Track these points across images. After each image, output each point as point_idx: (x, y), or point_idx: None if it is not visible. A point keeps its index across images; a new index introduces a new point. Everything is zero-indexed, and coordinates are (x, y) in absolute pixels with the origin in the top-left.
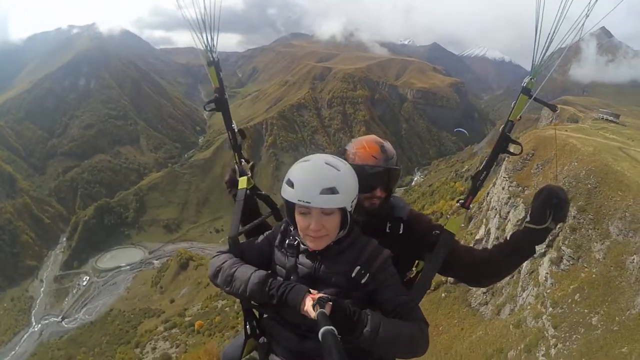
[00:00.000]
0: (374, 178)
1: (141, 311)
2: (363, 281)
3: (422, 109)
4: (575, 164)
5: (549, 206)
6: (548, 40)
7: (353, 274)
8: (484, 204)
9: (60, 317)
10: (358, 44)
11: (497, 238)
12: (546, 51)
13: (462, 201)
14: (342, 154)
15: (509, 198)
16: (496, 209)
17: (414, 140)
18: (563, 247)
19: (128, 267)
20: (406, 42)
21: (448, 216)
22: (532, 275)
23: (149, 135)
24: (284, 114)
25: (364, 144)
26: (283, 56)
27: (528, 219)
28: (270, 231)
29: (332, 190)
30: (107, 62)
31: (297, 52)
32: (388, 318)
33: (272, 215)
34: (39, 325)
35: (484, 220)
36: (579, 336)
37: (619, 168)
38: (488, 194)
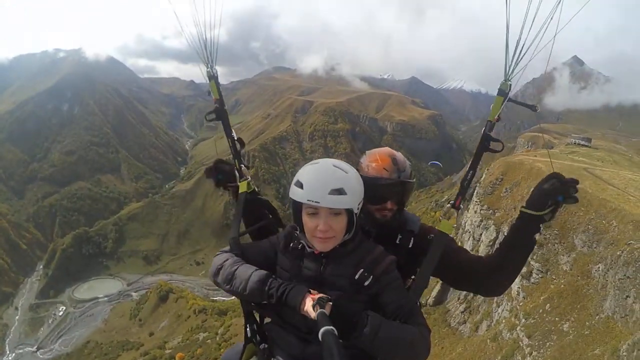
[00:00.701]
0: (386, 190)
1: (119, 344)
2: (366, 283)
3: (401, 141)
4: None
5: (552, 198)
6: (519, 45)
7: (356, 276)
8: (460, 228)
9: (35, 347)
10: (339, 78)
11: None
12: (519, 56)
13: (452, 202)
14: (355, 165)
15: (481, 221)
16: (469, 232)
17: None
18: (532, 262)
19: (106, 298)
20: (386, 77)
21: (440, 218)
22: (506, 291)
23: (130, 164)
24: (266, 146)
25: (377, 157)
26: (265, 89)
27: (524, 203)
28: (275, 235)
29: (340, 191)
30: (92, 88)
31: (279, 86)
32: (389, 321)
33: (273, 220)
34: (13, 354)
35: (459, 243)
36: (552, 343)
37: (582, 186)
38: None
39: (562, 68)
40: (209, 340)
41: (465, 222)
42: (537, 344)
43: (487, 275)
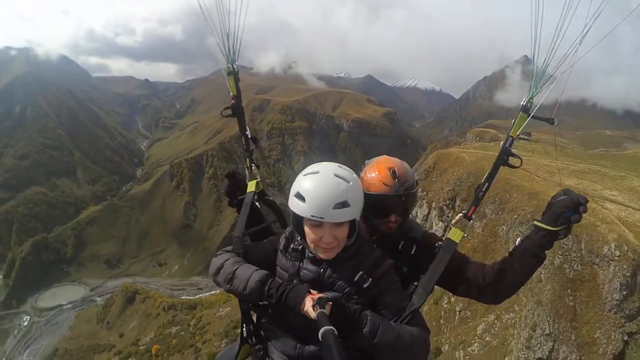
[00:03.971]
0: (388, 205)
1: (89, 348)
2: (365, 285)
3: (357, 138)
4: (460, 170)
5: (562, 215)
6: (544, 65)
7: (356, 278)
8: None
9: None
10: (296, 77)
11: None
12: (541, 76)
13: (465, 211)
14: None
15: (417, 200)
16: None
17: (351, 168)
18: (452, 227)
19: (70, 305)
20: (342, 75)
21: (451, 226)
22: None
23: (86, 167)
24: (224, 145)
25: (373, 168)
26: (222, 87)
27: (538, 217)
28: (275, 236)
29: (344, 204)
30: (44, 89)
31: (237, 63)
32: (388, 321)
33: (278, 222)
34: None
35: None
36: None
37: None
38: None
39: (514, 66)
40: (182, 332)
41: None
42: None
43: (491, 284)
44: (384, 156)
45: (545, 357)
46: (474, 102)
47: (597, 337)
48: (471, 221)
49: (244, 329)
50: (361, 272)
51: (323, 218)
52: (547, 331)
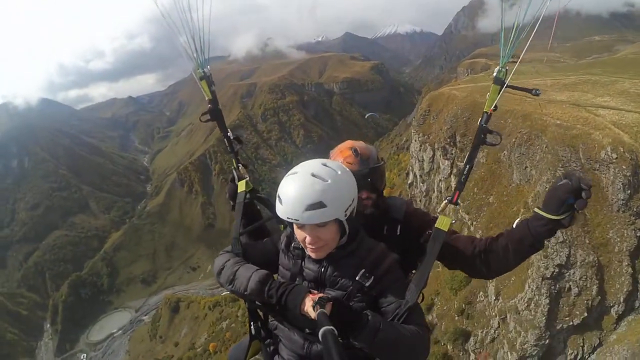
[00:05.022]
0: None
1: None
2: (367, 284)
3: (350, 98)
4: (454, 107)
5: (565, 201)
6: (513, 33)
7: (357, 277)
8: (409, 156)
9: None
10: (275, 53)
11: (421, 176)
12: (513, 43)
13: (450, 197)
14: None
15: (420, 145)
16: (414, 156)
17: (351, 128)
18: (458, 163)
19: (120, 331)
20: (320, 39)
21: (437, 214)
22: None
23: (97, 198)
24: (223, 139)
25: (337, 152)
26: None
27: (539, 204)
28: (277, 234)
29: (318, 205)
30: (35, 136)
31: (218, 76)
32: (389, 321)
33: (275, 218)
34: None
35: (410, 167)
36: (484, 212)
37: (484, 100)
38: (408, 149)
39: None
40: (233, 325)
41: (411, 150)
42: (474, 216)
43: (482, 260)
44: (347, 140)
45: (563, 262)
46: (458, 35)
47: (610, 236)
48: (457, 206)
49: (252, 326)
50: (363, 270)
51: (298, 220)
52: (560, 239)
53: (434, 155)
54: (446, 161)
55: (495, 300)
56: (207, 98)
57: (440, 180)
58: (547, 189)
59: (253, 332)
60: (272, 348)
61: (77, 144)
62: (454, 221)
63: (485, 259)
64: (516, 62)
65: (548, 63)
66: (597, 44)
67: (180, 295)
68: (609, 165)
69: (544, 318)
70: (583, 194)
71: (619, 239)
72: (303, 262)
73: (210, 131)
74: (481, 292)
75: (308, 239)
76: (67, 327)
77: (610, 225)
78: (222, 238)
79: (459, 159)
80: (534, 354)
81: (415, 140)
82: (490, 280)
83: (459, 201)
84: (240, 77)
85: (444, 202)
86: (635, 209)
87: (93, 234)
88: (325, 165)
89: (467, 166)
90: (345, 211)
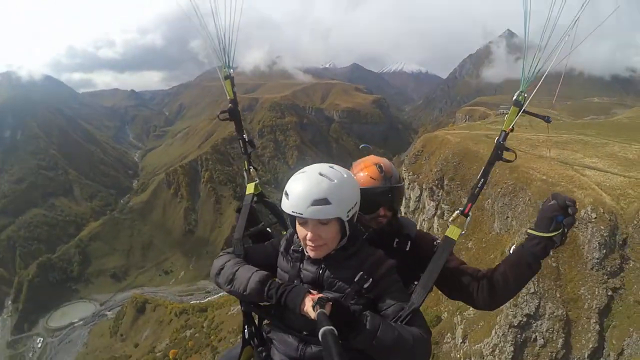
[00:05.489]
0: (376, 198)
1: None
2: (366, 286)
3: (349, 128)
4: (446, 151)
5: (553, 219)
6: (535, 58)
7: (356, 279)
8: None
9: None
10: (282, 72)
11: (406, 214)
12: (535, 67)
13: (462, 209)
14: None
15: (409, 183)
16: None
17: (345, 158)
18: (442, 205)
19: (81, 322)
20: (327, 66)
21: (449, 224)
22: (429, 231)
23: (82, 184)
24: (217, 147)
25: (362, 165)
26: (209, 90)
27: (532, 226)
28: (277, 238)
29: (324, 201)
30: (33, 111)
31: (222, 86)
32: (389, 322)
33: (278, 223)
34: None
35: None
36: (462, 257)
37: (476, 149)
38: None
39: (499, 41)
40: (197, 334)
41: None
42: None
43: (484, 289)
44: (371, 155)
45: (532, 312)
46: (462, 80)
47: (582, 293)
48: (468, 218)
49: (245, 330)
50: (361, 273)
51: (302, 214)
52: (532, 290)
53: (421, 194)
54: (432, 202)
55: (461, 343)
56: (228, 97)
57: (424, 219)
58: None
59: (246, 336)
60: (264, 354)
61: (72, 127)
62: (463, 232)
63: (487, 289)
64: (534, 89)
65: (536, 120)
66: (595, 105)
67: (148, 297)
68: (587, 224)
69: None
70: (569, 210)
71: (589, 296)
72: (301, 265)
73: (205, 138)
74: (449, 334)
75: (309, 235)
76: (29, 308)
77: (583, 282)
78: (200, 247)
79: (445, 202)
80: None
81: (405, 178)
82: (459, 323)
83: (470, 213)
84: (244, 90)
85: (456, 212)
86: (609, 269)
87: (72, 220)
88: (332, 167)
89: (482, 180)
90: (348, 212)
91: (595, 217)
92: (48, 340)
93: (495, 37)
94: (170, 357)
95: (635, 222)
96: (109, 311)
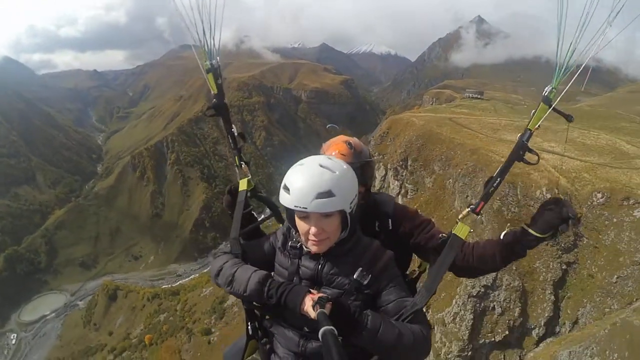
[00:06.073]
0: None
1: (82, 352)
2: (365, 282)
3: (316, 108)
4: (411, 133)
5: (556, 227)
6: (568, 53)
7: (355, 275)
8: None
9: None
10: (249, 51)
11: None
12: (566, 67)
13: (473, 207)
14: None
15: (375, 164)
16: None
17: (313, 138)
18: (407, 184)
19: (53, 314)
20: (296, 45)
21: (458, 221)
22: None
23: (45, 171)
24: (183, 129)
25: (331, 145)
26: (174, 70)
27: (530, 222)
28: (273, 233)
29: (328, 194)
30: None
31: (188, 65)
32: (389, 320)
33: (274, 217)
34: None
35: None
36: None
37: (439, 131)
38: None
39: (469, 26)
40: (171, 318)
41: None
42: None
43: (470, 265)
44: (340, 135)
45: (489, 284)
46: (430, 64)
47: (537, 266)
48: (479, 216)
49: (249, 326)
50: (360, 269)
51: (306, 208)
52: None
53: (386, 174)
54: (396, 181)
55: (425, 312)
56: (212, 92)
57: None
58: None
59: (250, 332)
60: (268, 347)
61: (32, 111)
62: (471, 230)
63: (477, 264)
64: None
65: (507, 104)
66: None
67: (119, 284)
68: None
69: (467, 332)
70: (570, 222)
71: (544, 269)
72: (300, 261)
73: (171, 119)
74: None
75: (313, 230)
76: None
77: (538, 256)
78: (168, 230)
79: (408, 181)
80: None
81: None
82: None
83: (481, 212)
84: None
85: (467, 210)
86: (563, 245)
87: (36, 209)
88: (330, 159)
89: (498, 179)
90: (351, 204)
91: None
92: (22, 336)
93: (466, 23)
94: (146, 342)
95: (589, 203)
96: (81, 301)
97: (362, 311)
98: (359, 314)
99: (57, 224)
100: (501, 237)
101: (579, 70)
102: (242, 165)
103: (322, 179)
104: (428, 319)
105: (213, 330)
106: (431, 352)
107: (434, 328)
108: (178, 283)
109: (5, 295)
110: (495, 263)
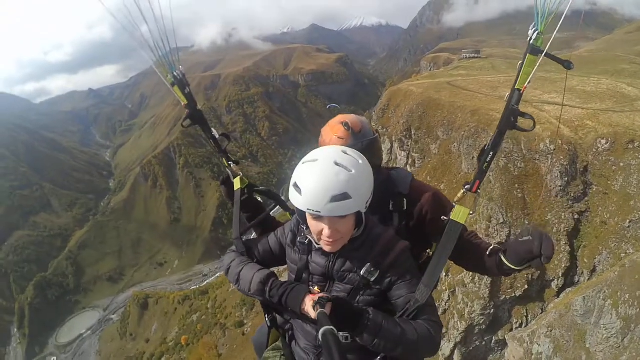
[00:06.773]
0: None
1: None
2: (373, 279)
3: (316, 90)
4: (411, 102)
5: (530, 260)
6: None
7: (362, 272)
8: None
9: None
10: (240, 44)
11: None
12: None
13: (469, 186)
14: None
15: (380, 137)
16: None
17: (316, 120)
18: (413, 154)
19: (89, 331)
20: (286, 30)
21: (454, 204)
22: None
23: (59, 196)
24: (187, 131)
25: (328, 129)
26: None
27: (505, 251)
28: (281, 228)
29: (343, 197)
30: None
31: (180, 67)
32: (392, 317)
33: (280, 206)
34: None
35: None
36: None
37: (438, 97)
38: None
39: None
40: (203, 317)
41: None
42: None
43: (487, 264)
44: (338, 115)
45: (504, 240)
46: (423, 28)
47: (549, 218)
48: (477, 194)
49: (267, 317)
50: (368, 265)
51: (320, 212)
52: (501, 220)
53: (392, 147)
54: (403, 152)
55: (445, 276)
56: (182, 103)
57: None
58: (513, 237)
59: (268, 323)
60: (289, 334)
61: (37, 140)
62: (472, 212)
63: (490, 265)
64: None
65: (506, 60)
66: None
67: (148, 292)
68: (547, 156)
69: (487, 290)
70: (543, 260)
71: (557, 221)
72: (309, 257)
73: (173, 124)
74: None
75: (327, 232)
76: (35, 330)
77: (549, 208)
78: (188, 233)
79: (414, 151)
80: (481, 322)
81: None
82: None
83: (479, 190)
84: (204, 68)
85: (462, 190)
86: (573, 195)
87: (56, 233)
88: (346, 153)
89: (491, 153)
90: (366, 203)
91: (554, 149)
92: (62, 357)
93: None
94: (183, 343)
95: (595, 150)
96: (114, 314)
97: (364, 310)
98: (360, 313)
99: (79, 244)
100: (487, 253)
101: (567, 9)
102: (232, 165)
103: (337, 180)
104: (439, 315)
105: (245, 321)
106: (455, 313)
107: (454, 290)
108: (206, 282)
109: (41, 322)
110: (495, 274)
